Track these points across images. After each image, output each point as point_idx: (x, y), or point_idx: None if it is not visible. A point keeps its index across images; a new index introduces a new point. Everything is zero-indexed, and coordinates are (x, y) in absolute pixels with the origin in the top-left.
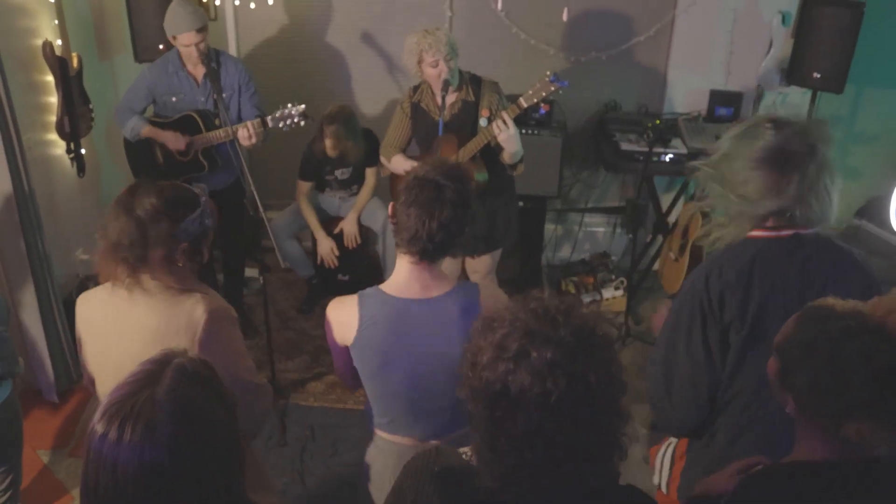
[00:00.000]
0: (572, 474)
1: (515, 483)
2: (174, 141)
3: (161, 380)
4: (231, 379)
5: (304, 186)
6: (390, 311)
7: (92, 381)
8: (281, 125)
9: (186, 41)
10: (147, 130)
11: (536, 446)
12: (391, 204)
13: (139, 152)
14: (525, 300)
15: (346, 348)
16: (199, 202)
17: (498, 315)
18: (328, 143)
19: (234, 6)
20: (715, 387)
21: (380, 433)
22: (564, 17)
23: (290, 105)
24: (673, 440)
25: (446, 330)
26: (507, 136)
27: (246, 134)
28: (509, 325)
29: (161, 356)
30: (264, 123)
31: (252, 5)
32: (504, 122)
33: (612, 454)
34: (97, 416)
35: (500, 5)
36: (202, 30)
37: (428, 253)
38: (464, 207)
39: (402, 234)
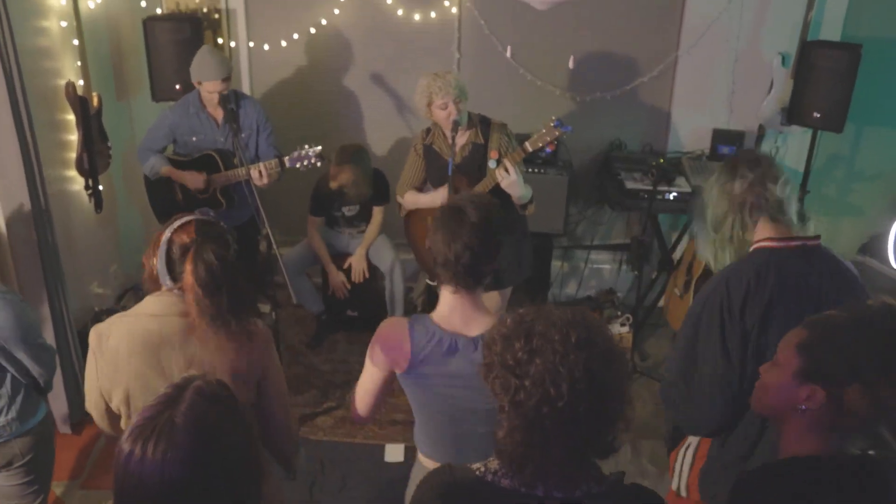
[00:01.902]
0: (576, 445)
1: (530, 459)
2: (193, 181)
3: (180, 402)
4: (281, 403)
5: (315, 221)
6: (440, 344)
7: (108, 415)
8: (298, 165)
9: (211, 88)
10: (166, 170)
11: (561, 417)
12: (428, 240)
13: (159, 189)
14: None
15: (389, 372)
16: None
17: (518, 315)
18: (340, 176)
19: (249, 48)
20: (736, 387)
21: (420, 456)
22: (571, 64)
23: (306, 146)
24: (692, 442)
25: None
26: (510, 182)
27: (257, 174)
28: (532, 311)
29: (182, 380)
30: (282, 164)
31: (266, 47)
32: (506, 169)
33: (611, 438)
34: (125, 435)
35: (508, 52)
36: (227, 79)
37: (460, 277)
38: (486, 229)
39: (436, 261)
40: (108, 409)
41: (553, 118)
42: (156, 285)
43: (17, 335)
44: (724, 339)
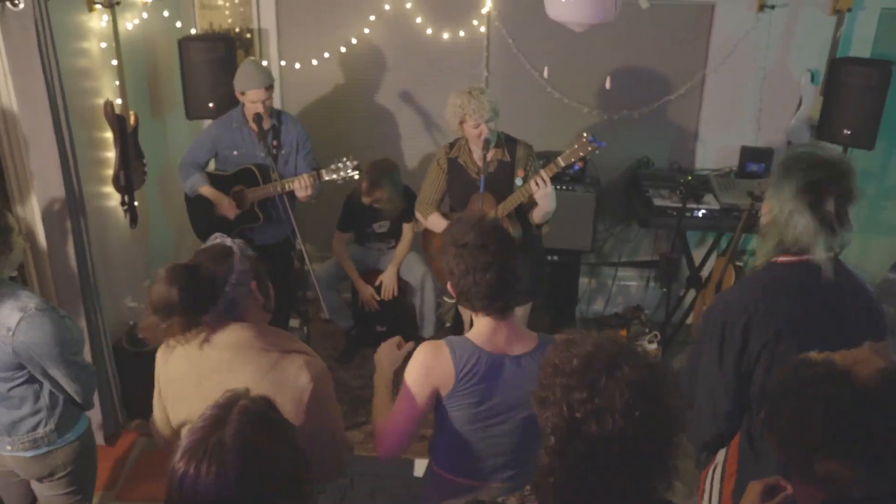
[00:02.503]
0: (627, 489)
1: (572, 495)
2: (227, 208)
3: (228, 422)
4: (330, 439)
5: (343, 237)
6: (486, 364)
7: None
8: (335, 177)
9: (255, 97)
10: (205, 190)
11: (609, 454)
12: (448, 284)
13: (199, 206)
14: (602, 334)
15: (430, 399)
16: (232, 249)
17: (578, 337)
18: (373, 193)
19: (280, 66)
20: (734, 403)
21: (436, 468)
22: (608, 84)
23: (343, 159)
24: (719, 461)
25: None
26: (545, 193)
27: (302, 184)
28: (594, 345)
29: (226, 400)
30: (319, 176)
31: (297, 66)
32: (542, 180)
33: (664, 479)
34: (177, 456)
35: (546, 73)
36: (269, 88)
37: (494, 308)
38: (506, 255)
39: (463, 294)
40: (172, 431)
41: (586, 134)
42: None
43: (52, 352)
44: (722, 355)
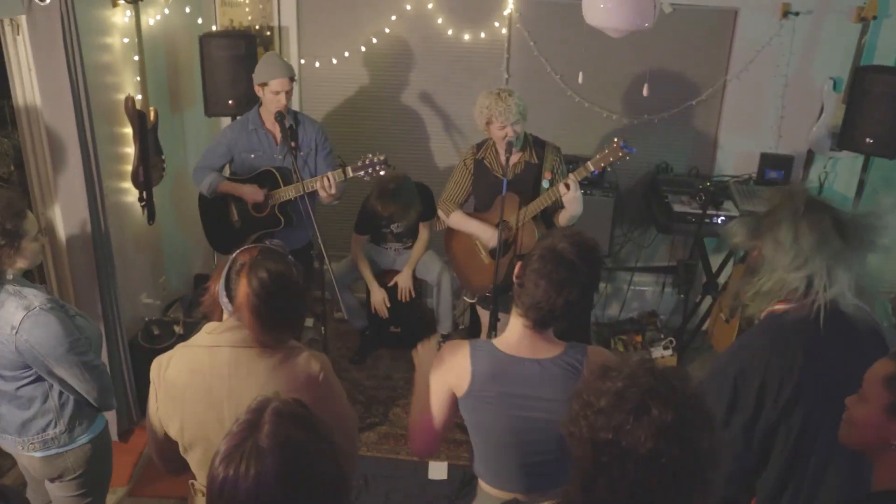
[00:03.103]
0: None
1: None
2: (252, 193)
3: (261, 425)
4: (344, 429)
5: (360, 240)
6: (503, 367)
7: (163, 443)
8: (362, 174)
9: (278, 87)
10: (225, 185)
11: (634, 497)
12: (518, 265)
13: (212, 210)
14: (640, 359)
15: (448, 397)
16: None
17: (615, 365)
18: (386, 208)
19: (300, 64)
20: (738, 465)
21: (483, 485)
22: (645, 91)
23: (370, 155)
24: None
25: (554, 391)
26: (573, 196)
27: (326, 184)
28: (628, 378)
29: (258, 404)
30: (345, 173)
31: (317, 64)
32: (571, 183)
33: None
34: (216, 461)
35: (580, 79)
36: (293, 79)
37: (544, 323)
38: (592, 288)
39: (524, 300)
40: (165, 438)
41: (618, 139)
42: (215, 309)
43: (57, 352)
44: (730, 417)
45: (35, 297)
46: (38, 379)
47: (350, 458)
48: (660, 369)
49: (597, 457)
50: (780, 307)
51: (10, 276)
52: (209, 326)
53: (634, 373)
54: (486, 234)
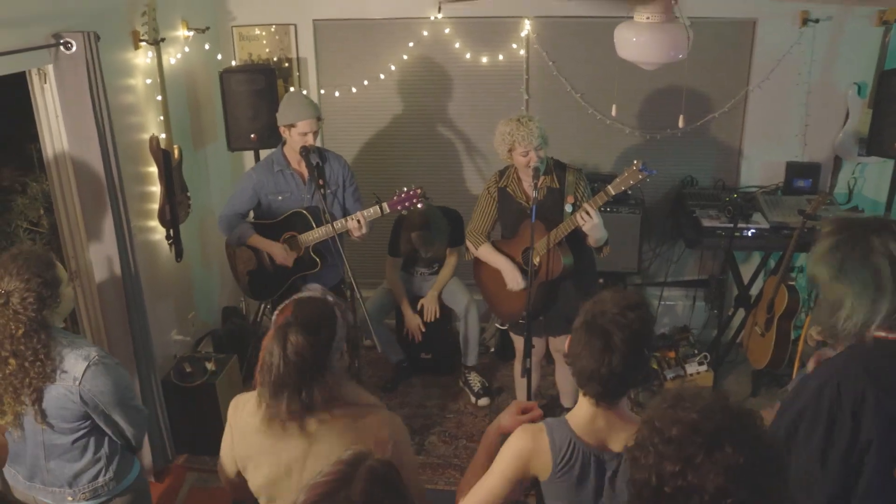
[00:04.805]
0: None
1: None
2: (283, 256)
3: (354, 481)
4: (416, 493)
5: (395, 262)
6: (581, 459)
7: (234, 482)
8: (399, 208)
9: (306, 128)
10: (255, 240)
11: None
12: (568, 338)
13: (244, 259)
14: (714, 393)
15: (516, 482)
16: (334, 310)
17: (689, 396)
18: (414, 241)
19: (320, 94)
20: (833, 498)
21: None
22: (681, 123)
23: (405, 188)
24: None
25: None
26: (592, 225)
27: (356, 225)
28: (703, 411)
29: (352, 457)
30: (381, 210)
31: (336, 94)
32: (588, 213)
33: None
34: None
35: (613, 111)
36: (319, 118)
37: (605, 396)
38: (638, 349)
39: (578, 373)
40: (238, 475)
41: (637, 162)
42: None
43: (115, 399)
44: (826, 447)
45: (90, 347)
46: (92, 430)
47: None
48: (735, 407)
49: (659, 486)
50: (882, 333)
51: (59, 325)
52: None
53: (710, 406)
54: (510, 276)
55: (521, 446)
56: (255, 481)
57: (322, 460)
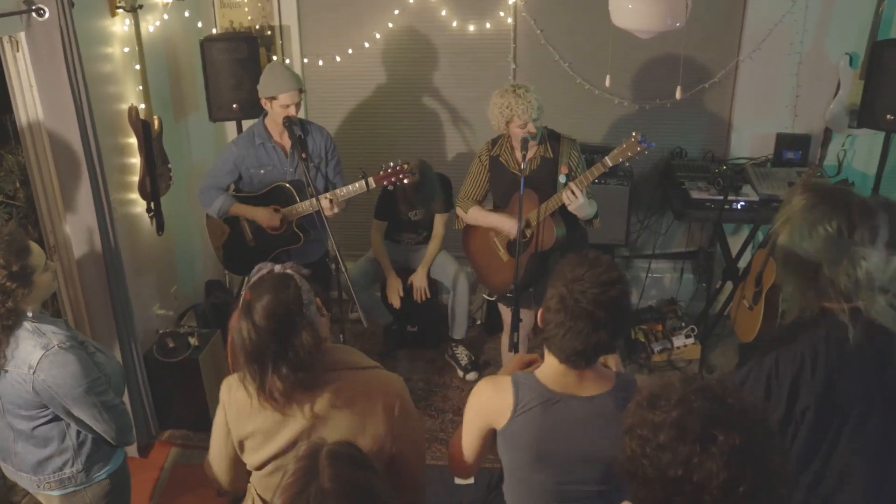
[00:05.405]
0: None
1: None
2: (268, 218)
3: (320, 471)
4: (419, 455)
5: (380, 226)
6: (548, 404)
7: (234, 465)
8: (386, 184)
9: (288, 100)
10: (236, 208)
11: None
12: (540, 311)
13: (214, 231)
14: (682, 379)
15: (487, 432)
16: (289, 272)
17: (662, 392)
18: (405, 198)
19: (303, 63)
20: None
21: None
22: (678, 94)
23: (392, 163)
24: None
25: (604, 430)
26: (577, 205)
27: (327, 203)
28: (680, 404)
29: (308, 451)
30: (367, 184)
31: (320, 62)
32: (573, 192)
33: None
34: None
35: (607, 82)
36: (301, 90)
37: (578, 364)
38: (622, 323)
39: (551, 343)
40: (236, 459)
41: (636, 133)
42: None
43: (75, 392)
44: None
45: (54, 334)
46: (55, 419)
47: (421, 489)
48: (710, 388)
49: (669, 497)
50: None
51: (30, 314)
52: None
53: (685, 398)
54: (506, 225)
55: (482, 391)
56: (258, 458)
57: (334, 427)
